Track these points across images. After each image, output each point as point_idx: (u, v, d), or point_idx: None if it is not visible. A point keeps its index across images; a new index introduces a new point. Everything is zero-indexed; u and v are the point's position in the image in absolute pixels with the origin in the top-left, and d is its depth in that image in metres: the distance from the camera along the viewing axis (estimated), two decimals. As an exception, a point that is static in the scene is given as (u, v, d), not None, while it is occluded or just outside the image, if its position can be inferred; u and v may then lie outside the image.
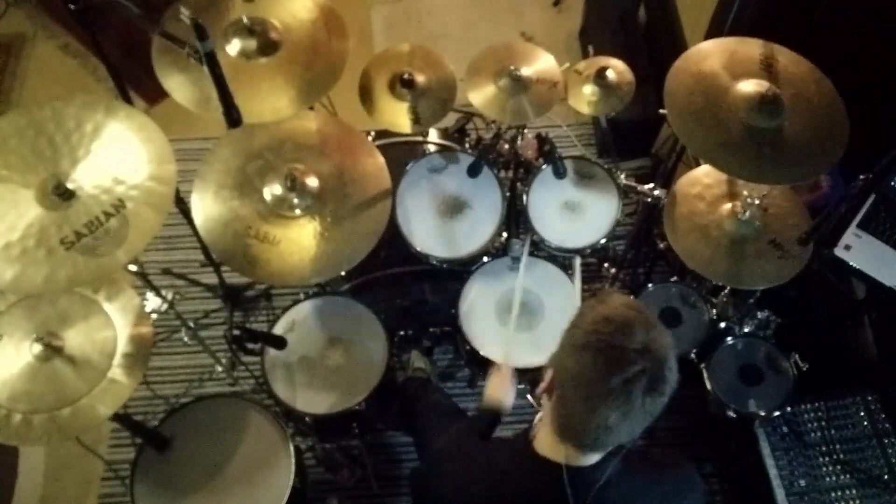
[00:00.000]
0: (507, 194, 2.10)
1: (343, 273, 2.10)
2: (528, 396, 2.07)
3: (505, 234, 2.13)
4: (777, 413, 1.98)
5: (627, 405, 0.99)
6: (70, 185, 1.44)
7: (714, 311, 2.13)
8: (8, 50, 3.36)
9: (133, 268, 1.80)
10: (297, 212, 1.73)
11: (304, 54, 1.79)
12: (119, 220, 1.43)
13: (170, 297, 2.02)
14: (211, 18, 1.76)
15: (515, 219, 2.19)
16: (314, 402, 1.91)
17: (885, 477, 1.95)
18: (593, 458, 1.12)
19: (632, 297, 1.08)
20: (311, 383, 1.93)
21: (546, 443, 1.14)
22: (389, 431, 2.46)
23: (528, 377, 1.99)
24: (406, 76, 1.99)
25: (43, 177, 1.45)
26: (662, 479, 1.23)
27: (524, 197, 2.12)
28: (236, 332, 1.73)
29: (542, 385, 1.12)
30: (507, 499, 1.18)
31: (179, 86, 1.72)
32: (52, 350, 1.59)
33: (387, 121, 2.01)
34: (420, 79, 2.02)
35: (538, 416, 1.21)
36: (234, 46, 1.77)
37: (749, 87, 1.72)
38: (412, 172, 2.10)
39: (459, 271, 2.11)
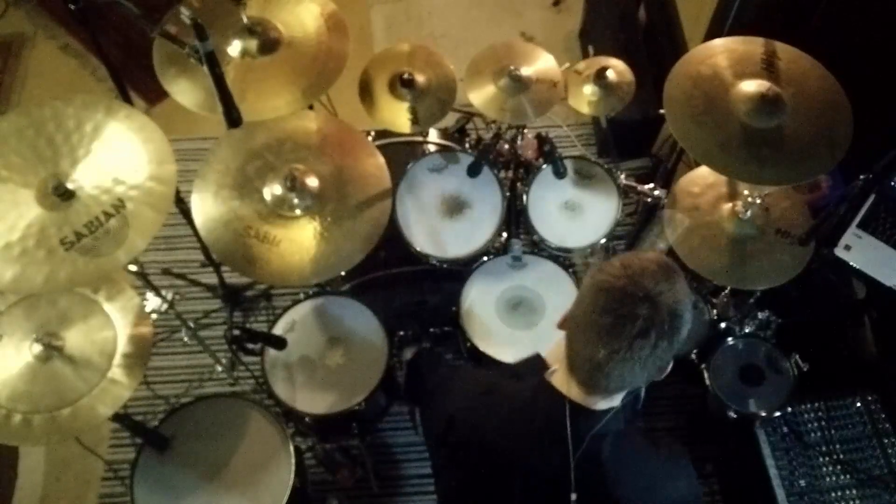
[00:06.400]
0: (507, 194, 2.10)
1: (343, 273, 2.10)
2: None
3: (505, 234, 2.13)
4: (777, 413, 1.98)
5: (617, 344, 1.02)
6: (70, 186, 1.44)
7: (714, 311, 2.13)
8: (8, 50, 3.36)
9: (133, 268, 1.80)
10: (297, 212, 1.73)
11: (304, 52, 1.79)
12: (119, 220, 1.42)
13: (170, 297, 2.02)
14: (212, 19, 1.76)
15: (515, 219, 2.19)
16: (314, 402, 1.91)
17: (886, 477, 1.95)
18: (598, 404, 1.14)
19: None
20: (311, 383, 1.93)
21: (559, 375, 1.18)
22: (389, 431, 2.45)
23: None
24: (406, 76, 1.99)
25: (43, 177, 1.45)
26: (656, 456, 1.24)
27: (524, 197, 2.12)
28: (236, 332, 1.73)
29: (561, 318, 1.16)
30: (511, 418, 1.22)
31: (180, 86, 1.72)
32: (52, 350, 1.59)
33: (386, 121, 2.01)
34: (420, 79, 2.02)
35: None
36: (234, 47, 1.77)
37: (749, 87, 1.71)
38: (412, 172, 2.10)
39: (459, 271, 2.10)
